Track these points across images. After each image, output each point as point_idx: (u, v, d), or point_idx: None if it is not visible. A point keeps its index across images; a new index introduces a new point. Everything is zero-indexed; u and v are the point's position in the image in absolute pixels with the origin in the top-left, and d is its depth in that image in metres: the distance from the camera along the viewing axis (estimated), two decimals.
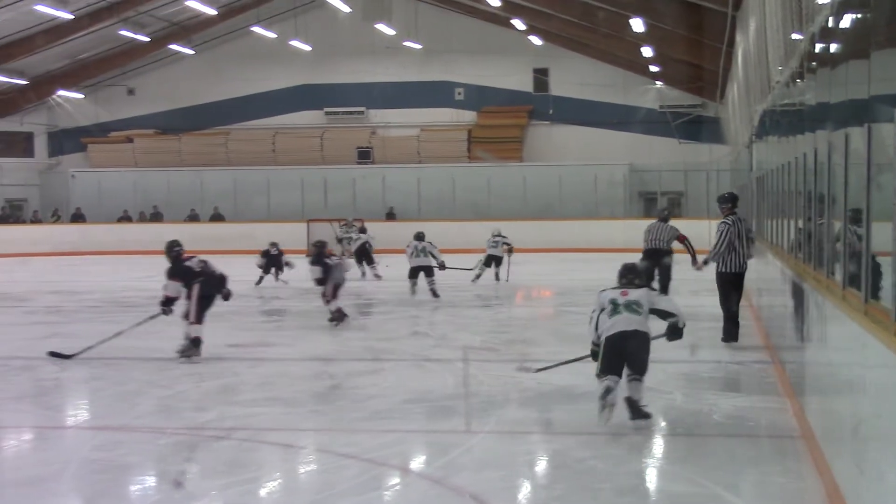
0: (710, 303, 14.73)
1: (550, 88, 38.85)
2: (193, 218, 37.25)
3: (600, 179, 36.21)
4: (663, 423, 8.62)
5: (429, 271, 19.06)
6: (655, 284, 16.66)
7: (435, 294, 18.74)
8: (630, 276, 8.68)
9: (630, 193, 36.77)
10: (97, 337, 12.42)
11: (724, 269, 12.52)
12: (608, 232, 31.85)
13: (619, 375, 8.14)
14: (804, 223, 8.36)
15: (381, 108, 39.65)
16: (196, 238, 34.72)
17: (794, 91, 9.44)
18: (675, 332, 8.54)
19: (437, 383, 10.33)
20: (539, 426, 8.75)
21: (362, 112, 39.85)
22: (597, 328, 8.33)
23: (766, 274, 12.93)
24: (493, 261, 22.45)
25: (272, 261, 22.14)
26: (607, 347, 8.16)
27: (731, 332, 12.54)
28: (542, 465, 7.52)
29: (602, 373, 8.17)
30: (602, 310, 8.33)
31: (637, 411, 8.12)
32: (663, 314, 8.48)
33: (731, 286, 12.53)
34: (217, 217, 37.19)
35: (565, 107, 38.31)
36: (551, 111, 38.48)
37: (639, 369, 8.16)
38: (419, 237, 19.54)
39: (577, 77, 38.01)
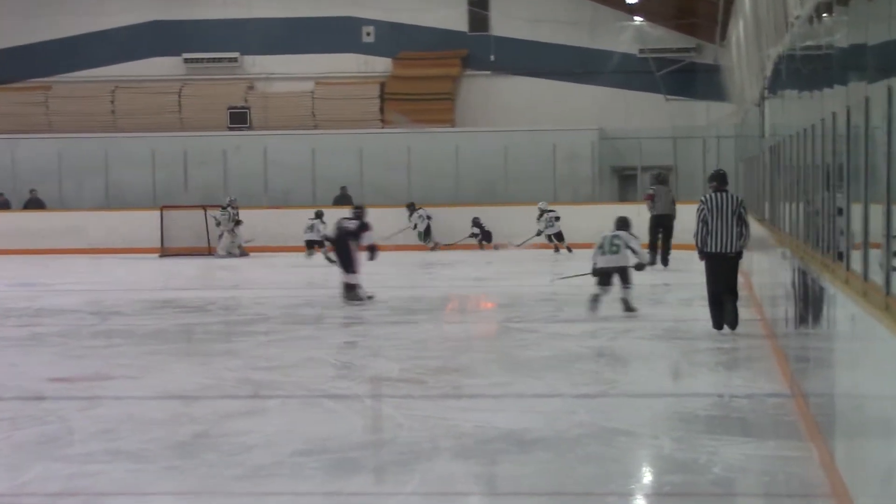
0: (706, 316, 14.93)
1: (491, 27, 38.97)
2: (2, 205, 36.87)
3: (560, 150, 36.13)
4: (647, 480, 8.65)
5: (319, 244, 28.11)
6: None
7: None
8: None
9: (600, 169, 36.80)
10: None
11: (705, 249, 14.73)
12: (571, 221, 31.81)
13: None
14: (832, 208, 8.43)
15: (262, 53, 39.60)
16: (5, 233, 34.42)
17: (819, 29, 9.53)
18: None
19: (340, 428, 10.30)
20: (480, 485, 8.74)
21: (235, 59, 39.77)
22: None
23: (780, 277, 13.04)
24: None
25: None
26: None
27: (716, 317, 14.79)
28: None
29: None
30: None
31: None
32: None
33: (713, 267, 14.74)
34: (35, 203, 36.79)
35: (511, 52, 38.40)
36: (493, 58, 38.49)
37: None
38: (319, 215, 30.04)
39: (527, 12, 38.13)
